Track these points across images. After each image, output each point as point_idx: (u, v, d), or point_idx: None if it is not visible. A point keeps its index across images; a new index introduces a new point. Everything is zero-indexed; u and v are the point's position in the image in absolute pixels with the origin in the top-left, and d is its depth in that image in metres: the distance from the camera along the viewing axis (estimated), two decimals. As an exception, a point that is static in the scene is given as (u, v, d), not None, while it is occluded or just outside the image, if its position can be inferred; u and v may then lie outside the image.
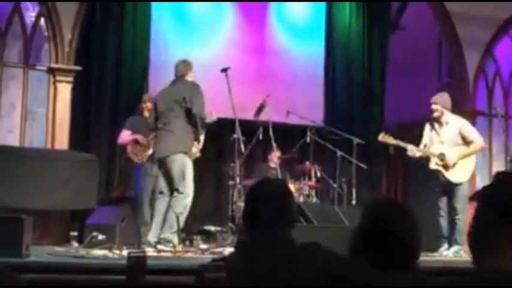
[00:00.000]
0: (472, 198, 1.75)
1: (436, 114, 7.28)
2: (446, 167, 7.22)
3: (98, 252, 6.30)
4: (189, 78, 6.79)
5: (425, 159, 7.35)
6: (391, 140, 7.29)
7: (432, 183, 7.55)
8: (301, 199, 8.48)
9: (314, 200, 8.85)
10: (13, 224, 5.25)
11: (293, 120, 8.95)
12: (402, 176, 10.96)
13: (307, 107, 9.60)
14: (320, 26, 10.78)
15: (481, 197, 1.71)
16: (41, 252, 5.82)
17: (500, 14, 10.15)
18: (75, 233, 7.67)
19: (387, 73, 11.01)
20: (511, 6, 10.13)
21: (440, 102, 7.32)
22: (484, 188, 1.76)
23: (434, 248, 7.29)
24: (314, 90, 10.56)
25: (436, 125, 7.34)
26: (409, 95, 10.69)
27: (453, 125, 7.32)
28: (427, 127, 7.42)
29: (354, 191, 8.68)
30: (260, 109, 8.24)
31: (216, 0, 9.99)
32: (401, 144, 7.30)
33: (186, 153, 6.56)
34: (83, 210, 7.69)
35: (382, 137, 7.33)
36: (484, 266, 1.62)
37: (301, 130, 9.07)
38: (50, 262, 5.28)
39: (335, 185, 8.96)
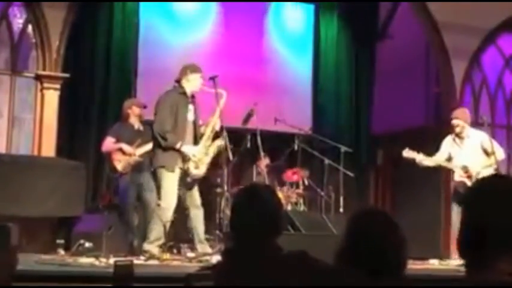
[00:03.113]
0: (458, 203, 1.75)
1: (458, 130, 7.47)
2: (470, 177, 7.35)
3: (85, 260, 6.27)
4: (184, 83, 6.71)
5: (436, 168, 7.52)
6: (415, 155, 7.38)
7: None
8: (289, 207, 8.48)
9: (302, 208, 8.85)
10: (-1, 231, 5.21)
11: (281, 128, 8.96)
12: (390, 185, 10.99)
13: (295, 115, 9.61)
14: (308, 35, 10.82)
15: (464, 210, 1.70)
16: (27, 260, 5.78)
17: (487, 23, 10.22)
18: (62, 241, 7.62)
19: (375, 81, 11.05)
20: (498, 16, 10.21)
21: (462, 118, 7.53)
22: (465, 199, 1.74)
23: (423, 257, 7.33)
24: (302, 97, 10.59)
25: (457, 139, 7.52)
26: (397, 103, 10.74)
27: (474, 138, 7.52)
28: (448, 140, 7.58)
29: (341, 199, 8.69)
30: (248, 117, 8.24)
31: (204, 0, 10.01)
32: (423, 157, 7.40)
33: (162, 167, 6.57)
34: (69, 218, 7.65)
35: (407, 153, 7.40)
36: (474, 277, 1.61)
37: (289, 138, 9.07)
38: (36, 270, 5.25)
39: (323, 193, 8.97)
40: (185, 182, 6.68)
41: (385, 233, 2.25)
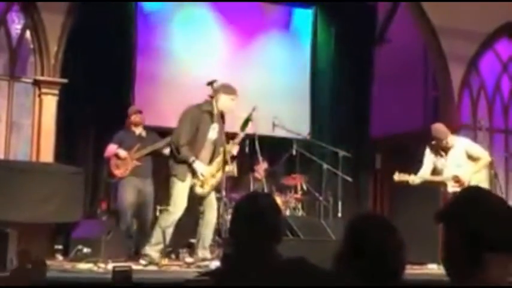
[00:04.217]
0: (437, 218, 1.72)
1: (447, 144, 7.39)
2: (463, 185, 7.27)
3: (83, 266, 6.27)
4: (215, 101, 6.70)
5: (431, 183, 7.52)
6: (407, 177, 7.39)
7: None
8: (288, 212, 8.47)
9: (300, 213, 8.84)
10: (-3, 237, 5.20)
11: (279, 133, 8.94)
12: (388, 189, 10.98)
13: (293, 120, 9.59)
14: (306, 39, 10.83)
15: (447, 221, 1.69)
16: (25, 266, 5.76)
17: (485, 28, 10.23)
18: (60, 247, 7.61)
19: (373, 85, 11.06)
20: (495, 20, 10.23)
21: (443, 132, 7.42)
22: (450, 208, 1.72)
23: (421, 261, 7.34)
24: (300, 102, 10.58)
25: (441, 151, 7.46)
26: (395, 107, 10.75)
27: (458, 146, 7.46)
28: (429, 152, 7.52)
29: (340, 203, 8.68)
30: (246, 122, 8.23)
31: (203, 0, 10.02)
32: (414, 177, 7.40)
33: (175, 175, 6.65)
34: (68, 223, 7.65)
35: (398, 176, 7.41)
36: (469, 283, 1.61)
37: (288, 143, 9.07)
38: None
39: (321, 198, 8.96)
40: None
41: (384, 238, 2.25)
